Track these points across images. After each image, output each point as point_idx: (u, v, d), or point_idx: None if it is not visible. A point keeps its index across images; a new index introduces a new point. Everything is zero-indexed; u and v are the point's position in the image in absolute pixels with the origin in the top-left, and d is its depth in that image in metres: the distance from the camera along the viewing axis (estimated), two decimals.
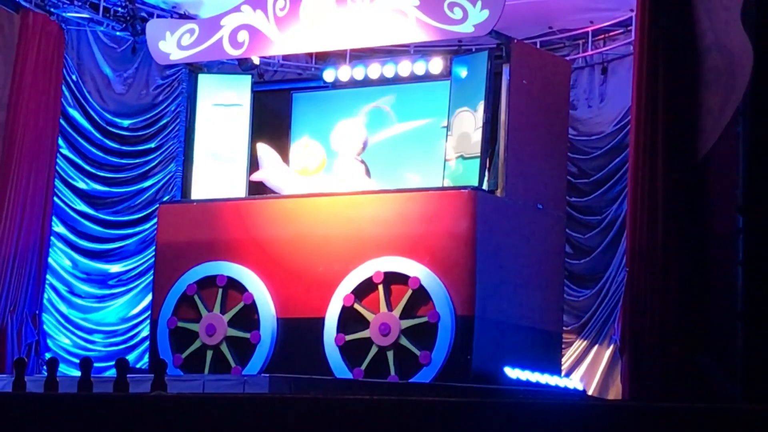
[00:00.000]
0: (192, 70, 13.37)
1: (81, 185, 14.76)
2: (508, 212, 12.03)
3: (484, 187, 11.98)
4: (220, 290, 12.43)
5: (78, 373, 10.02)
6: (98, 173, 14.84)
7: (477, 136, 11.93)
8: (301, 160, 12.84)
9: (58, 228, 14.54)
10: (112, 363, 10.58)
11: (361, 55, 13.55)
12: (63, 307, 14.49)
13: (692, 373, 11.67)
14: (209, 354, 12.38)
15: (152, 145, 15.04)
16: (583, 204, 13.95)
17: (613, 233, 13.60)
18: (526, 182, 12.21)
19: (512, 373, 11.84)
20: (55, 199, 14.47)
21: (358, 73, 13.09)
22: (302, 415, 8.17)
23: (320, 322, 12.02)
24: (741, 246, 11.85)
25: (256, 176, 12.89)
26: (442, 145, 12.46)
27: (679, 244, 11.93)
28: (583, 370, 13.58)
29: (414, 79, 12.89)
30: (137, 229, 14.87)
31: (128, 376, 9.90)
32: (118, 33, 14.88)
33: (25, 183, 14.06)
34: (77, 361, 11.02)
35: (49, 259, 14.38)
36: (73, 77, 14.70)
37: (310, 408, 8.24)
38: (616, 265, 13.41)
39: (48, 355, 13.16)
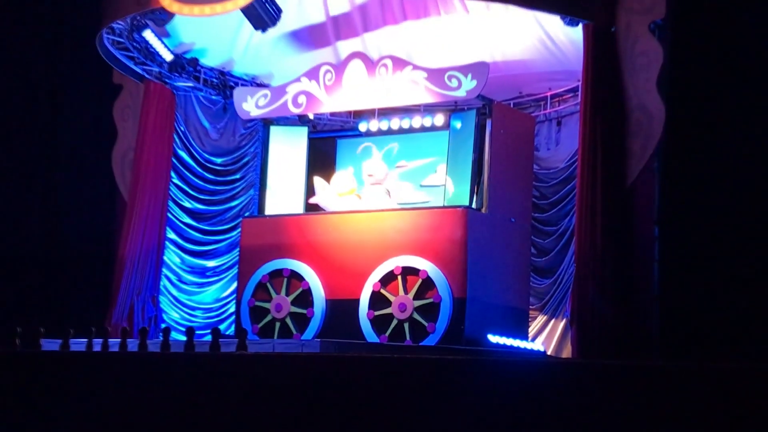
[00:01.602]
0: (266, 123, 13.40)
1: (187, 204, 14.76)
2: (490, 224, 12.02)
3: (473, 206, 11.97)
4: (286, 279, 12.44)
5: (184, 339, 10.02)
6: (199, 196, 14.83)
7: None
8: (336, 185, 12.86)
9: (171, 235, 14.54)
10: (209, 331, 10.56)
11: (385, 112, 13.54)
12: (174, 291, 14.48)
13: (623, 336, 11.65)
14: (277, 325, 12.38)
15: (237, 177, 15.03)
16: (543, 218, 13.90)
17: (565, 239, 13.53)
18: (503, 202, 12.19)
19: (493, 338, 11.82)
20: (168, 214, 14.46)
21: (384, 125, 13.12)
22: (344, 368, 8.17)
23: (356, 302, 12.02)
24: (657, 249, 11.84)
25: (313, 200, 12.93)
26: (441, 174, 12.50)
27: (612, 247, 11.90)
28: (544, 337, 13.52)
29: (423, 129, 12.90)
30: (227, 236, 14.85)
31: (220, 340, 9.90)
32: (213, 96, 14.91)
33: (147, 202, 14.07)
34: (184, 329, 10.99)
35: (164, 257, 14.37)
36: (181, 128, 14.72)
37: (349, 363, 8.24)
38: (567, 262, 13.35)
39: (163, 326, 13.18)
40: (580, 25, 12.21)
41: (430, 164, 12.80)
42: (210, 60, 14.60)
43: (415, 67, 12.23)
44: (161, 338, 10.17)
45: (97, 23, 13.37)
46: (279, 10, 12.88)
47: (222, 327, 14.12)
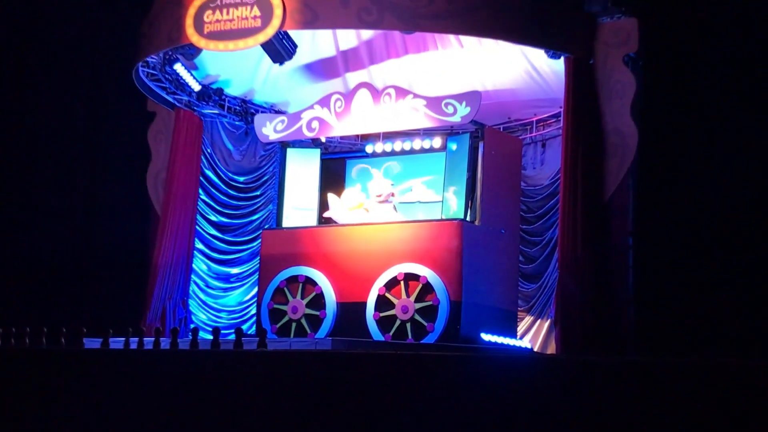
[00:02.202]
0: (283, 145, 13.43)
1: (213, 218, 14.77)
2: (483, 235, 12.03)
3: (468, 218, 11.98)
4: (301, 284, 12.46)
5: (210, 338, 10.03)
6: (224, 210, 14.84)
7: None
8: (346, 200, 12.86)
9: (199, 245, 14.53)
10: (233, 331, 10.56)
11: (389, 135, 13.55)
12: (201, 295, 14.48)
13: (601, 335, 11.63)
14: (294, 325, 12.39)
15: (258, 193, 15.03)
16: (530, 229, 13.88)
17: (550, 248, 13.52)
18: (494, 216, 12.20)
19: (486, 337, 11.81)
20: (197, 226, 14.46)
21: (388, 147, 13.15)
22: (353, 363, 8.18)
23: (364, 304, 12.03)
24: (631, 257, 11.85)
25: (326, 214, 12.95)
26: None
27: (592, 255, 11.91)
28: (531, 335, 13.51)
29: (422, 150, 12.94)
30: (248, 246, 14.84)
31: (243, 339, 9.90)
32: (236, 122, 14.93)
33: (177, 216, 14.07)
34: (210, 330, 10.99)
35: (193, 265, 14.37)
36: (208, 150, 14.73)
37: (357, 359, 8.25)
38: (551, 269, 13.33)
39: (192, 326, 13.17)
40: (562, 58, 12.26)
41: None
42: (233, 90, 14.66)
43: (416, 96, 12.27)
44: (190, 337, 10.19)
45: (133, 58, 13.45)
46: (294, 46, 12.95)
47: (244, 327, 14.13)
